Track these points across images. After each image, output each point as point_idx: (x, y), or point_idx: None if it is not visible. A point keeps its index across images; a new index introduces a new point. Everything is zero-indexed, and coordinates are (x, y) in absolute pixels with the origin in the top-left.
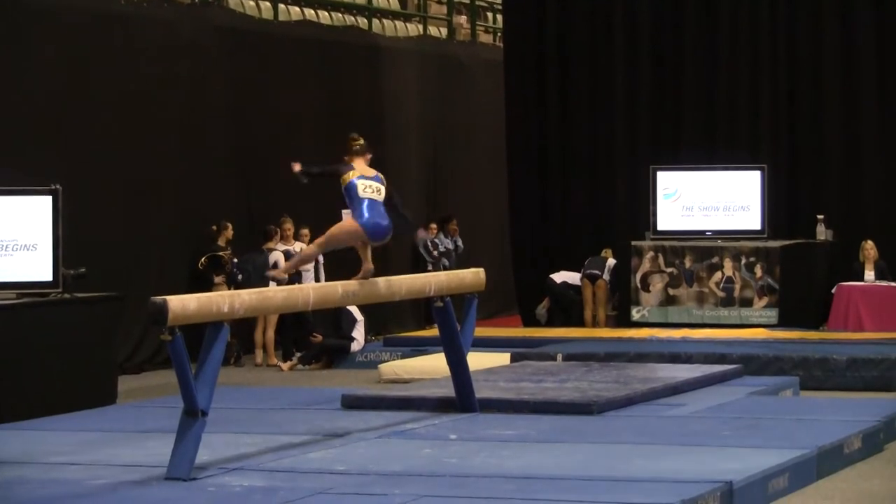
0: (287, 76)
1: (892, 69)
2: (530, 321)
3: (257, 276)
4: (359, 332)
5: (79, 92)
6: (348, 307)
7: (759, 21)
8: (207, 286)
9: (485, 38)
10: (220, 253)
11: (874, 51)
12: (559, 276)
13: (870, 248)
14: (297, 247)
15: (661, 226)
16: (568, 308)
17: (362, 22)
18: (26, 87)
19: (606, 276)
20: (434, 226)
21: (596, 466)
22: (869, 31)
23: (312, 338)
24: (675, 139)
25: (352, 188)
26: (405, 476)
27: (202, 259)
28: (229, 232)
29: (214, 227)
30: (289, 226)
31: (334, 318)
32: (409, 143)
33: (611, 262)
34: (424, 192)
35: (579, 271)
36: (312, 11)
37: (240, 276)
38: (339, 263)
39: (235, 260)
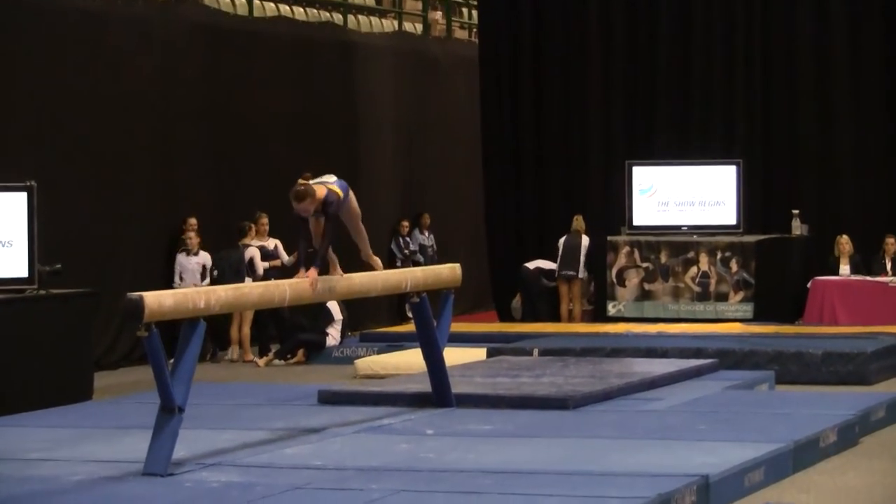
0: (262, 72)
1: (868, 64)
2: (506, 316)
3: (232, 272)
4: (335, 330)
5: (53, 88)
6: (328, 305)
7: (733, 14)
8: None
9: (460, 34)
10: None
11: (848, 46)
12: (533, 264)
13: (845, 242)
14: (273, 243)
15: (636, 221)
16: (538, 300)
17: (337, 18)
18: (1, 84)
19: (582, 274)
20: (406, 223)
21: (572, 461)
22: (843, 26)
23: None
24: (650, 134)
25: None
26: (382, 471)
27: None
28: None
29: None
30: (264, 221)
31: (313, 314)
32: (384, 139)
33: (585, 241)
34: (398, 188)
35: (554, 260)
36: (288, 8)
37: (215, 273)
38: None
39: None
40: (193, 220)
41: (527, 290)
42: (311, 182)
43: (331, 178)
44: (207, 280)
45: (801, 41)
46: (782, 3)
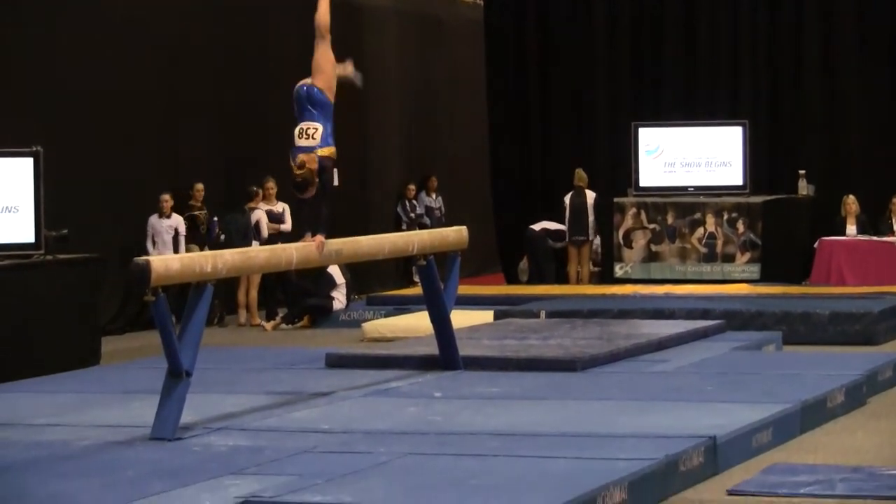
0: (268, 37)
1: (873, 25)
2: (513, 279)
3: (239, 236)
4: (340, 294)
5: (58, 53)
6: (329, 270)
7: None
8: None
9: None
10: (196, 213)
11: (854, 7)
12: (538, 226)
13: (851, 202)
14: (280, 206)
15: (643, 182)
16: (544, 262)
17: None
18: (3, 48)
19: (593, 236)
20: (412, 187)
21: (580, 423)
22: None
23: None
24: (656, 95)
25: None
26: (390, 434)
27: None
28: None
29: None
30: (271, 185)
31: (315, 279)
32: (389, 103)
33: (591, 198)
34: (405, 152)
35: (560, 220)
36: None
37: (222, 237)
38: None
39: (216, 219)
40: (200, 186)
41: (533, 253)
42: (297, 145)
43: (312, 131)
44: (181, 246)
45: (808, 4)
46: None
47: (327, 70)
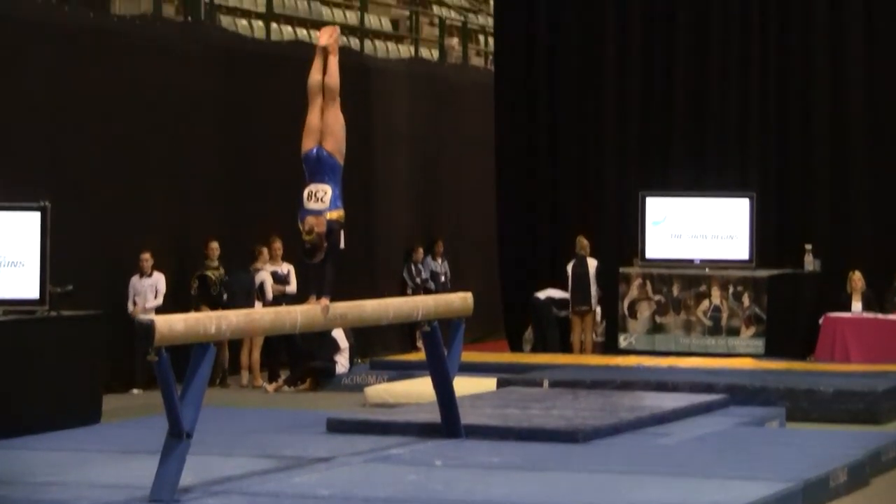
0: (278, 95)
1: (881, 101)
2: (517, 346)
3: (242, 296)
4: (343, 358)
5: (69, 108)
6: (333, 334)
7: (749, 49)
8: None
9: (476, 61)
10: (209, 273)
11: (863, 81)
12: (543, 293)
13: (857, 278)
14: (286, 268)
15: (649, 253)
16: (549, 330)
17: (354, 43)
18: (16, 103)
19: (595, 305)
20: (420, 249)
21: (581, 495)
22: (858, 64)
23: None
24: (664, 166)
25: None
26: (390, 502)
27: (193, 282)
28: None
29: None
30: (278, 245)
31: (319, 342)
32: (398, 165)
33: (592, 267)
34: (413, 214)
35: (564, 287)
36: (305, 31)
37: (225, 296)
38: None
39: (227, 277)
40: (215, 244)
41: (538, 321)
42: (306, 207)
43: (321, 194)
44: (159, 301)
45: (816, 76)
46: (799, 38)
47: (337, 133)
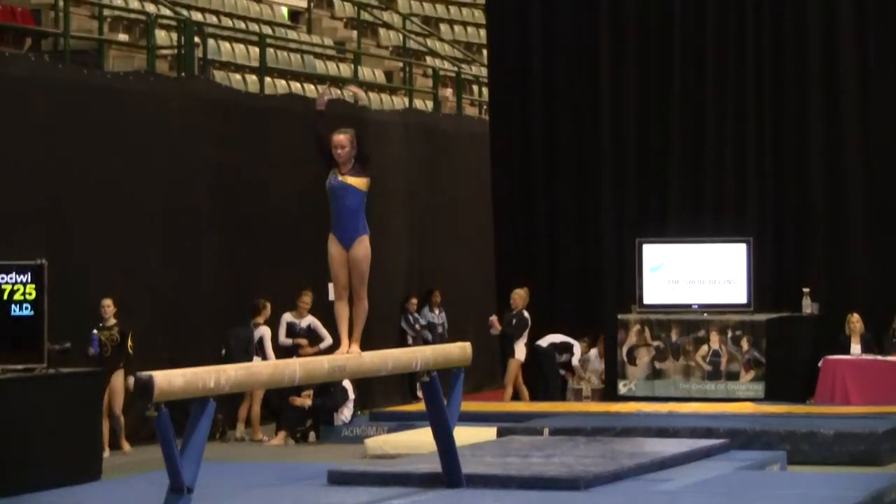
0: (273, 149)
1: (878, 146)
2: (517, 394)
3: (240, 350)
4: (347, 408)
5: (63, 164)
6: (344, 384)
7: (745, 92)
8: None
9: (470, 111)
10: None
11: (860, 124)
12: (545, 341)
13: (856, 321)
14: (306, 322)
15: (647, 299)
16: (549, 377)
17: (348, 95)
18: (11, 160)
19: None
20: (415, 300)
21: None
22: (855, 103)
23: (292, 400)
24: (662, 211)
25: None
26: None
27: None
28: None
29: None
30: (307, 299)
31: (331, 392)
32: (394, 216)
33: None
34: (409, 265)
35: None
36: (299, 84)
37: (223, 351)
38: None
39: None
40: (108, 301)
41: (542, 368)
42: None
43: None
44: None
45: (813, 118)
46: (794, 80)
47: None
